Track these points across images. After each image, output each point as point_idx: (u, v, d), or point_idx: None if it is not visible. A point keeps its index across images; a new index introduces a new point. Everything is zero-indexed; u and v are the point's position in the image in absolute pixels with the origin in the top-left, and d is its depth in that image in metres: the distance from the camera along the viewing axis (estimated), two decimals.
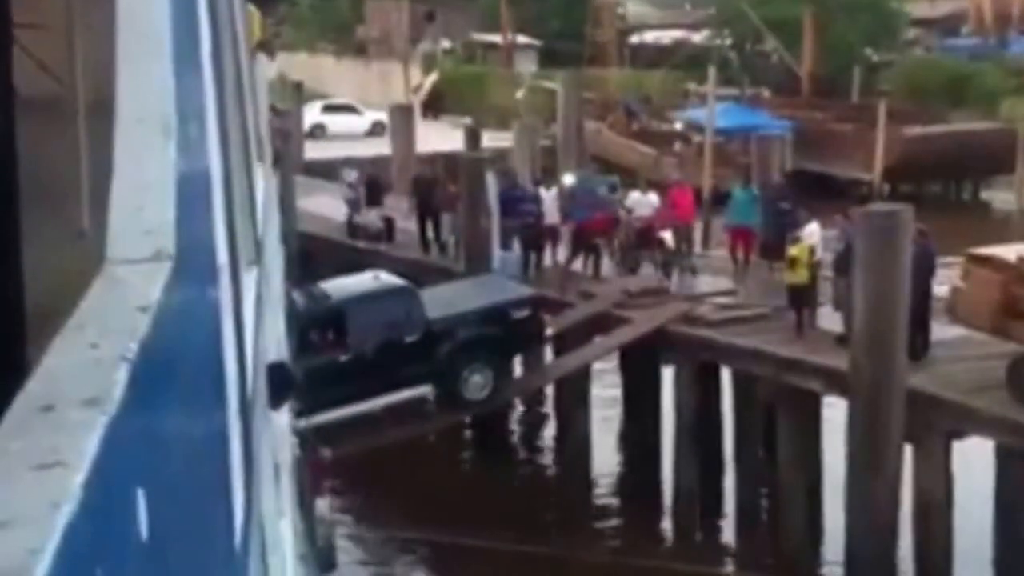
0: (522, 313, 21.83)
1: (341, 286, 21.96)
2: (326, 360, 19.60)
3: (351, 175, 31.16)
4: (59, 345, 1.66)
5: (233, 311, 3.35)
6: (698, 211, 27.51)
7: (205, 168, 2.89)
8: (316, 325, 20.24)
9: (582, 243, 25.05)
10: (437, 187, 28.07)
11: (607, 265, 25.31)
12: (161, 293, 1.91)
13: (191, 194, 2.46)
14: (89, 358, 1.59)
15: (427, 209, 27.93)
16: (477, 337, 21.26)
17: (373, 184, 30.61)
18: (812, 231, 21.30)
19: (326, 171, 39.51)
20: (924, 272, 18.93)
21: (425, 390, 21.23)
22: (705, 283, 24.24)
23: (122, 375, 1.54)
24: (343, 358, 20.37)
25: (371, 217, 29.49)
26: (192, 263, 2.34)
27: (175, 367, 2.01)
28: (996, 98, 54.01)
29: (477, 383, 21.25)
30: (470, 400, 21.43)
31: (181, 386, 2.07)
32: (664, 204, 25.64)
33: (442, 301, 21.87)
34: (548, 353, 24.13)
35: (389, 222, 29.26)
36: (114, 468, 1.41)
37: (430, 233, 27.89)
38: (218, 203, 3.09)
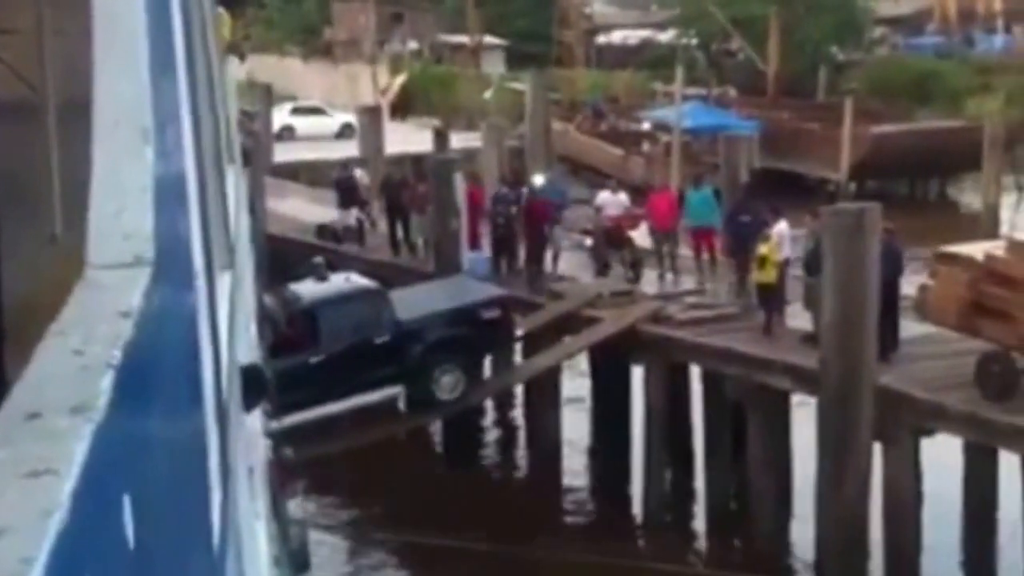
0: (492, 313, 21.88)
1: (311, 288, 21.95)
2: (297, 362, 19.60)
3: (363, 176, 30.68)
4: (42, 352, 1.66)
5: (209, 315, 3.35)
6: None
7: (181, 172, 2.88)
8: (287, 327, 20.22)
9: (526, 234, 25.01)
10: (406, 188, 28.03)
11: (574, 262, 25.33)
12: (142, 298, 1.91)
13: (168, 198, 2.46)
14: (74, 365, 1.59)
15: (396, 210, 27.91)
16: (447, 338, 21.29)
17: (346, 186, 30.48)
18: (780, 230, 21.36)
19: (294, 173, 39.45)
20: (891, 270, 19.03)
21: (396, 391, 21.25)
22: (672, 283, 24.27)
23: (107, 382, 1.54)
24: (314, 360, 20.38)
25: (351, 218, 29.38)
26: (170, 267, 2.34)
27: (157, 373, 2.01)
28: (961, 96, 54.37)
29: (447, 383, 21.29)
30: (441, 400, 21.45)
31: (163, 392, 2.07)
32: (639, 207, 25.59)
33: (412, 302, 21.90)
34: (518, 353, 24.14)
35: (360, 224, 29.23)
36: (102, 475, 1.41)
37: (400, 234, 27.86)
38: (194, 207, 3.09)
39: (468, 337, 21.40)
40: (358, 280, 22.31)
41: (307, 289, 21.88)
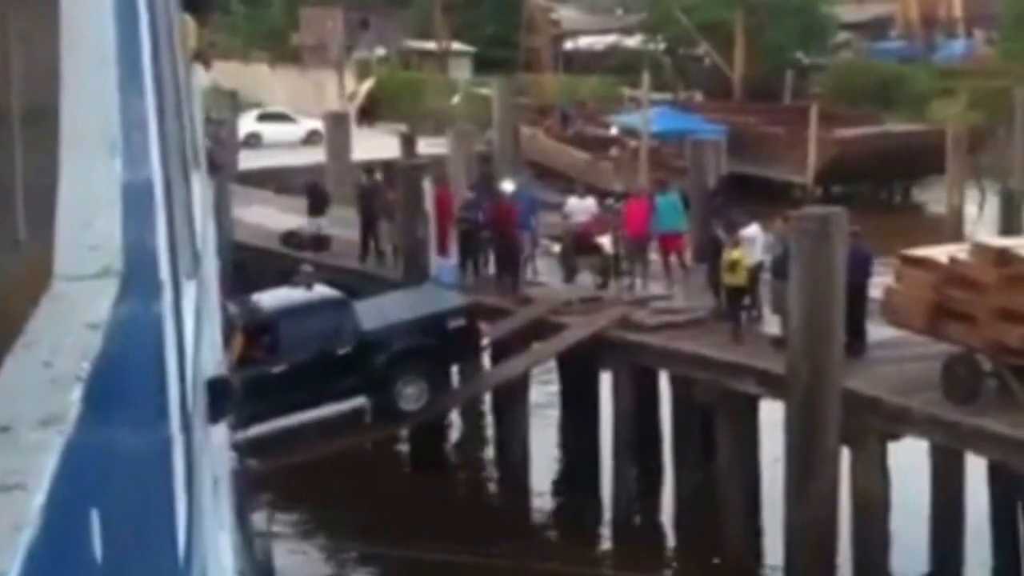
0: (457, 323, 21.65)
1: (273, 297, 21.68)
2: (259, 372, 19.20)
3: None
4: (11, 364, 1.65)
5: (175, 326, 3.34)
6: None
7: (148, 181, 2.88)
8: (248, 337, 19.96)
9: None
10: (376, 195, 27.93)
11: (543, 268, 25.33)
12: (110, 310, 1.91)
13: (135, 208, 2.45)
14: (43, 377, 1.59)
15: (367, 216, 27.81)
16: (411, 348, 21.05)
17: (316, 193, 30.38)
18: (752, 233, 21.44)
19: (261, 180, 39.34)
20: (859, 273, 19.11)
21: (360, 403, 21.02)
22: (641, 288, 24.27)
23: (76, 394, 1.54)
24: (275, 370, 20.06)
25: (319, 225, 29.24)
26: (138, 278, 2.33)
27: (125, 385, 2.01)
28: (925, 100, 54.68)
29: (412, 394, 21.05)
30: (405, 411, 21.21)
31: (131, 404, 2.07)
32: (607, 214, 25.59)
33: (376, 312, 21.65)
34: (485, 362, 24.01)
35: (327, 230, 29.13)
36: (72, 488, 1.41)
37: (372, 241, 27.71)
38: (161, 216, 3.08)
39: (433, 347, 21.18)
40: (321, 290, 22.04)
41: (269, 298, 21.61)
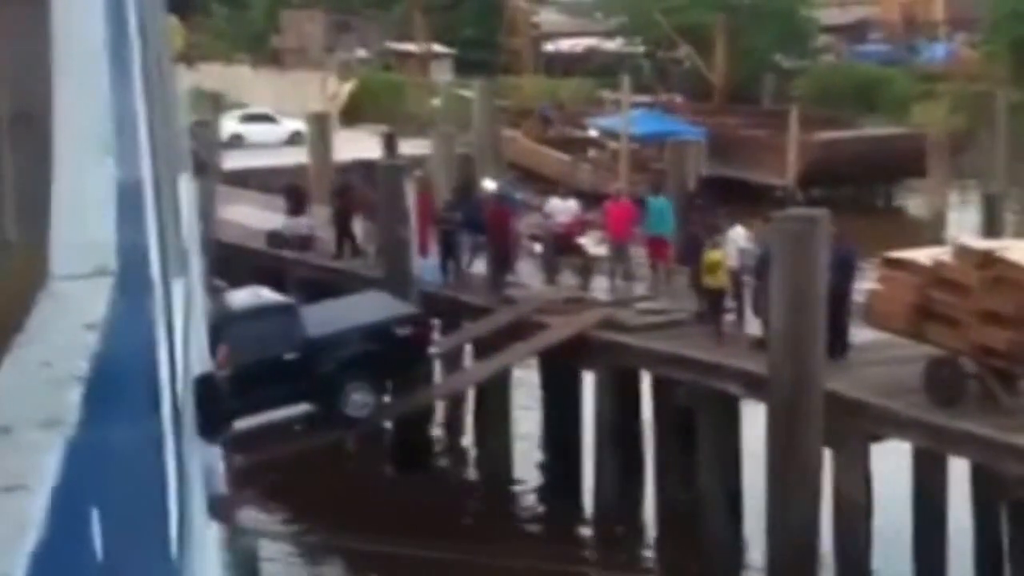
0: (405, 330, 21.54)
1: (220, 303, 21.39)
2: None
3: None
4: (10, 364, 1.65)
5: (166, 324, 3.34)
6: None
7: (138, 181, 2.88)
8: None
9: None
10: (347, 194, 27.94)
11: (525, 269, 25.32)
12: (105, 310, 1.91)
13: (127, 208, 2.45)
14: (42, 378, 1.59)
15: (341, 216, 27.81)
16: (358, 355, 20.88)
17: (296, 193, 30.34)
18: (736, 235, 21.47)
19: (244, 180, 39.32)
20: (842, 275, 19.14)
21: (306, 408, 20.87)
22: (624, 289, 24.28)
23: (75, 395, 1.54)
24: (219, 375, 19.73)
25: (302, 225, 29.21)
26: (131, 277, 2.33)
27: (121, 384, 2.01)
28: (906, 103, 54.91)
29: (358, 401, 20.94)
30: (351, 417, 21.06)
31: (126, 403, 2.07)
32: (591, 212, 25.53)
33: (324, 318, 21.47)
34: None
35: (310, 230, 29.13)
36: (73, 488, 1.41)
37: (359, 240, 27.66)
38: (151, 216, 3.08)
39: (380, 354, 21.00)
40: (268, 295, 21.85)
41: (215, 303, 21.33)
